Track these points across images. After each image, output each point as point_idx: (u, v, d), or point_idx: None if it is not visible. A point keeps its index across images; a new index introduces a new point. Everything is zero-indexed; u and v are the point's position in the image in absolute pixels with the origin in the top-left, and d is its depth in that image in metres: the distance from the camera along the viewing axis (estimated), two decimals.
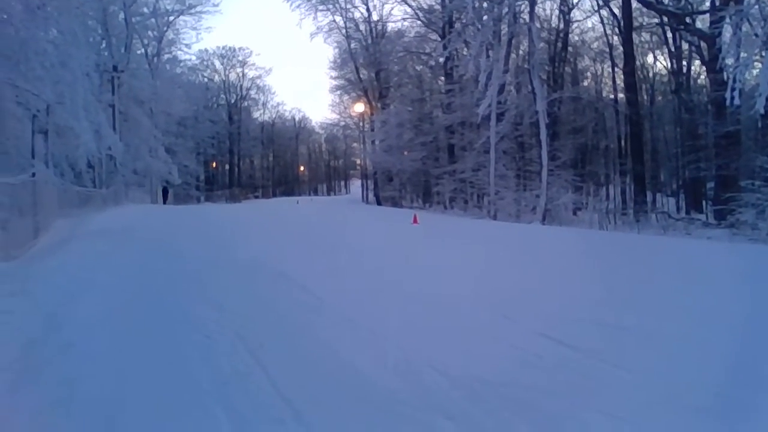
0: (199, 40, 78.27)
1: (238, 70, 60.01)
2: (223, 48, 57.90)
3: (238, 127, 60.02)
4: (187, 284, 6.44)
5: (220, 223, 16.90)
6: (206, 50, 55.46)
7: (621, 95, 26.40)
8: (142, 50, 34.73)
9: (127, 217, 17.78)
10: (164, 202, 35.04)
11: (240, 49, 58.91)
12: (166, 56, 37.38)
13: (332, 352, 3.85)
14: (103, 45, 29.29)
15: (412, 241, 11.80)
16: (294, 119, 70.69)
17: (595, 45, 30.55)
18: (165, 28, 35.25)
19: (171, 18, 35.18)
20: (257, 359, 3.64)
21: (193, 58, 48.54)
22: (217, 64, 58.49)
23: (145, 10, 32.83)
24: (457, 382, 3.26)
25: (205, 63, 55.83)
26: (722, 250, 10.17)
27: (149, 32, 34.39)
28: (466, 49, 26.43)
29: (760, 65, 15.16)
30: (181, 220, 17.87)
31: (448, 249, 10.15)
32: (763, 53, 14.29)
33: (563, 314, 4.84)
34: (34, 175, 11.23)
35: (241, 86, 60.88)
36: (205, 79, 56.35)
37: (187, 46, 42.23)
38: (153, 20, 33.80)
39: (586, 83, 32.66)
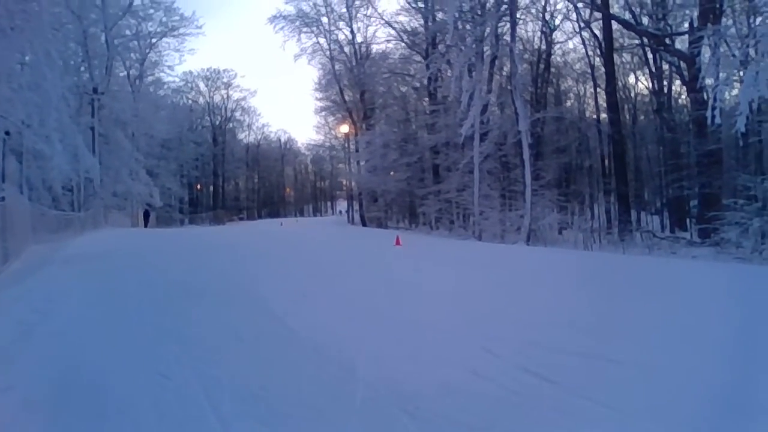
0: (183, 62, 78.19)
1: (223, 91, 60.22)
2: (208, 70, 58.28)
3: (222, 149, 59.86)
4: (152, 309, 6.14)
5: (198, 247, 16.52)
6: (190, 72, 55.79)
7: (603, 115, 26.56)
8: (125, 72, 34.59)
9: (105, 241, 17.41)
10: (146, 226, 34.50)
11: (224, 70, 59.37)
12: (149, 78, 37.31)
13: (296, 390, 3.56)
14: (84, 67, 29.02)
15: (393, 264, 11.54)
16: (279, 140, 70.88)
17: (577, 66, 30.94)
18: (147, 50, 35.21)
19: (154, 40, 35.24)
20: (211, 401, 3.34)
21: (177, 80, 48.65)
22: (202, 86, 58.69)
23: (127, 32, 32.75)
24: (430, 426, 2.98)
25: (189, 85, 56.04)
26: (711, 270, 10.00)
27: (131, 54, 34.28)
28: (449, 70, 26.52)
29: (739, 85, 15.34)
30: (156, 243, 17.49)
31: (429, 272, 9.87)
32: (741, 73, 14.41)
33: (548, 345, 4.57)
34: (3, 198, 10.88)
35: (225, 108, 60.99)
36: (190, 101, 56.41)
37: (171, 68, 42.39)
38: (135, 42, 33.71)
39: (569, 103, 32.95)
